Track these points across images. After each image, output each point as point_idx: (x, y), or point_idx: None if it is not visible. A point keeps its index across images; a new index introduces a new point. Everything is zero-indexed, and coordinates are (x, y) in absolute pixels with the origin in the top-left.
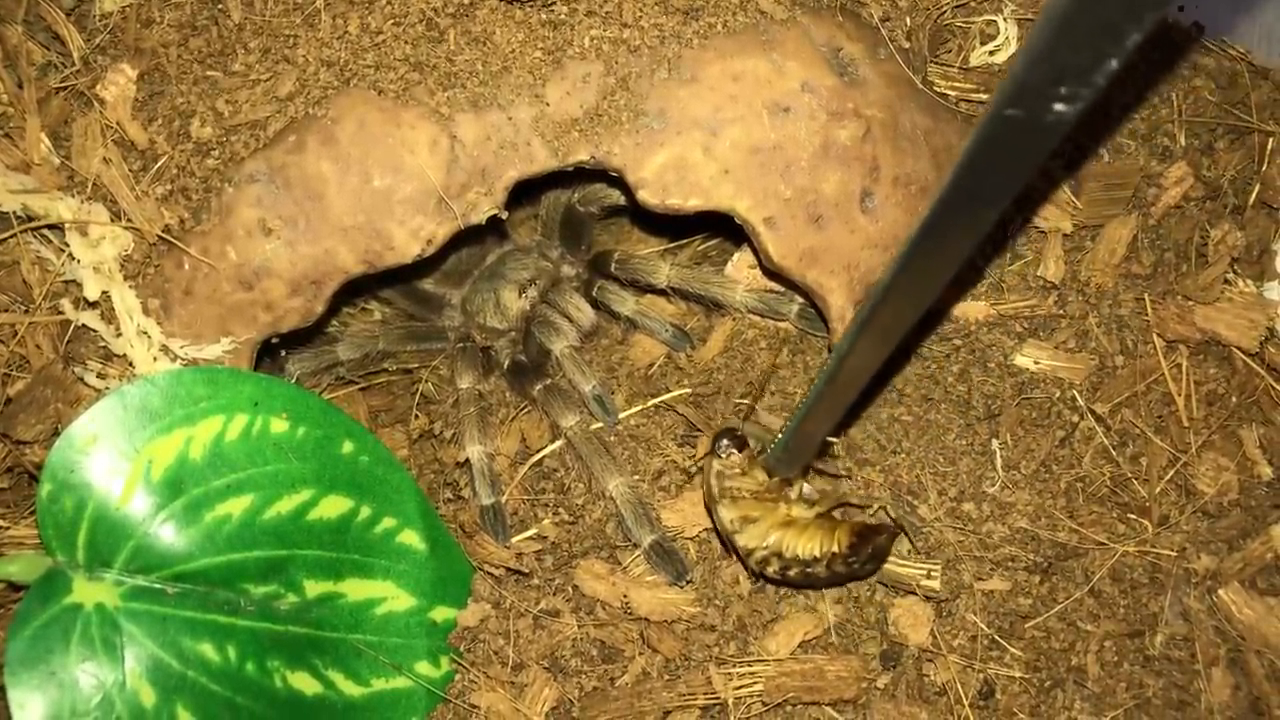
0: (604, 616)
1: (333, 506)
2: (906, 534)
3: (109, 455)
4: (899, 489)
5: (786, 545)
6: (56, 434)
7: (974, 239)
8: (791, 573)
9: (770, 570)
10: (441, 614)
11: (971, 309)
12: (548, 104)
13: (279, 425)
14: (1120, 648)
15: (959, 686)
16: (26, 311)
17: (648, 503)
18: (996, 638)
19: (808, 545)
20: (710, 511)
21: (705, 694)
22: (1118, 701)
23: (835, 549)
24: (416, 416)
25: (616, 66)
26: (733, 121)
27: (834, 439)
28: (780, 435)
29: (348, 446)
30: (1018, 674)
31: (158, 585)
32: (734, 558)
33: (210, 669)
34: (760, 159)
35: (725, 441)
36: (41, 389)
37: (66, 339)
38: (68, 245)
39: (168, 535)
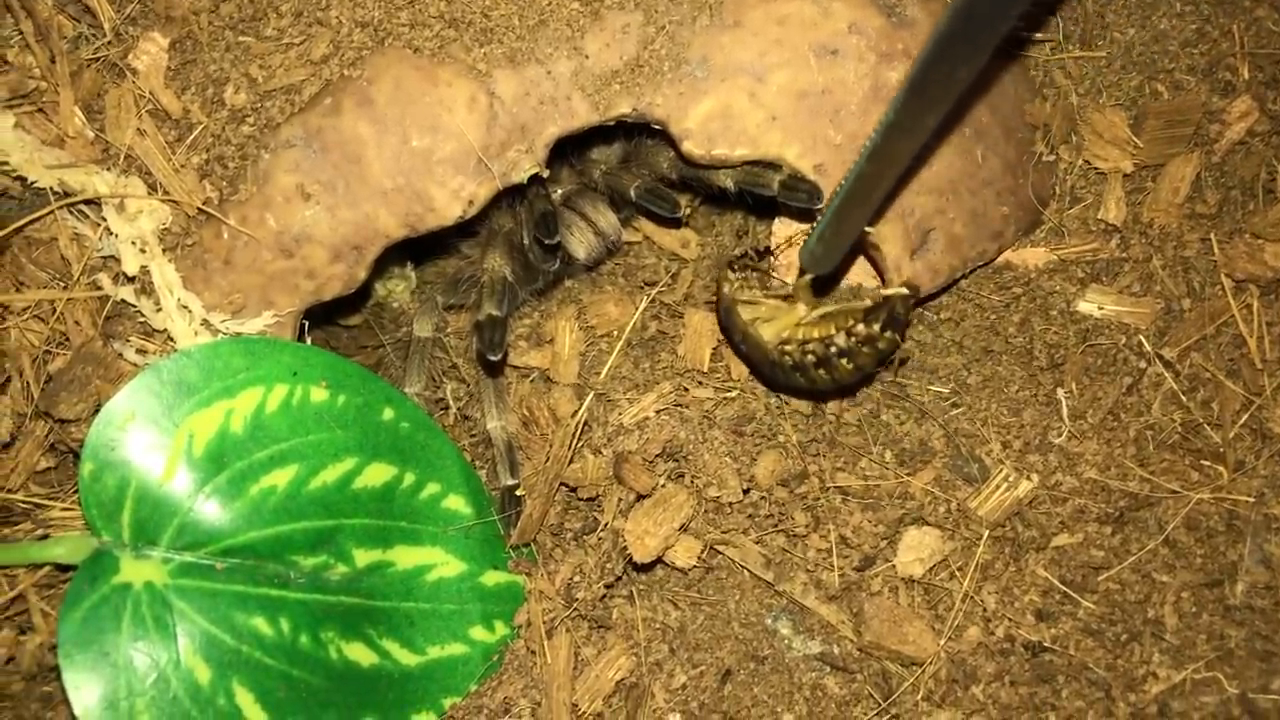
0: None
1: (377, 474)
2: (919, 299)
3: (149, 431)
4: (961, 442)
5: (804, 333)
6: (98, 412)
7: None
8: (810, 351)
9: (789, 357)
10: (492, 578)
11: (1031, 255)
12: (587, 56)
13: (319, 394)
14: (1199, 598)
15: (1033, 642)
16: (65, 288)
17: (518, 449)
18: (1069, 592)
19: (823, 330)
20: (726, 328)
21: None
22: (1198, 654)
23: (850, 322)
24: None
25: (656, 15)
26: (779, 66)
27: (870, 229)
28: (814, 228)
29: (388, 413)
30: (1092, 628)
31: (206, 561)
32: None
33: (264, 643)
34: (809, 104)
35: (735, 260)
36: (82, 367)
37: (105, 315)
38: (105, 220)
39: (213, 510)
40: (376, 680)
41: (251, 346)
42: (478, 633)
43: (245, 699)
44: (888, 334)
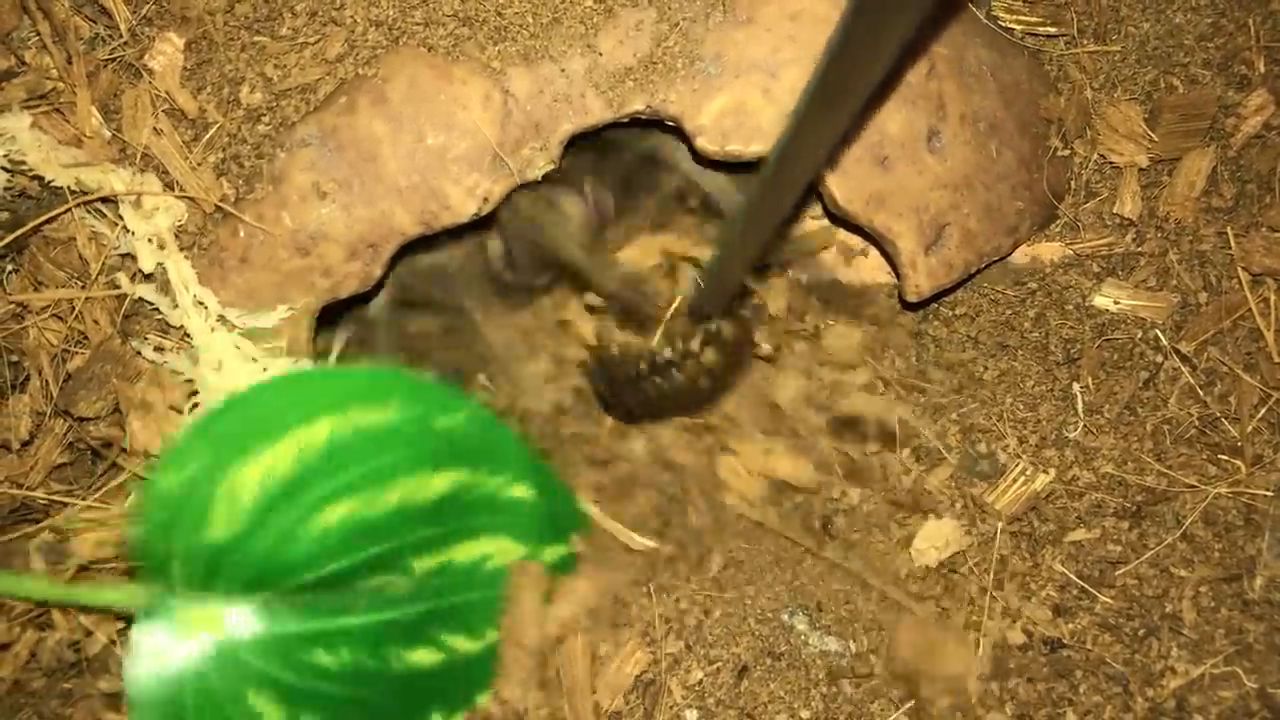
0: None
1: (438, 484)
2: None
3: (195, 485)
4: (977, 437)
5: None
6: (117, 410)
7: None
8: (642, 359)
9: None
10: (552, 554)
11: (1046, 250)
12: (600, 54)
13: (368, 418)
14: (1217, 593)
15: (1050, 637)
16: (83, 287)
17: None
18: (1087, 587)
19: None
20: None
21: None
22: (1216, 648)
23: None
24: None
25: (670, 12)
26: (792, 62)
27: (750, 283)
28: (701, 272)
29: (443, 421)
30: (1110, 623)
31: (263, 606)
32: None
33: (329, 675)
34: None
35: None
36: (100, 365)
37: (123, 314)
38: (121, 218)
39: (268, 554)
40: (442, 675)
41: (290, 384)
42: None
43: None
44: (709, 349)
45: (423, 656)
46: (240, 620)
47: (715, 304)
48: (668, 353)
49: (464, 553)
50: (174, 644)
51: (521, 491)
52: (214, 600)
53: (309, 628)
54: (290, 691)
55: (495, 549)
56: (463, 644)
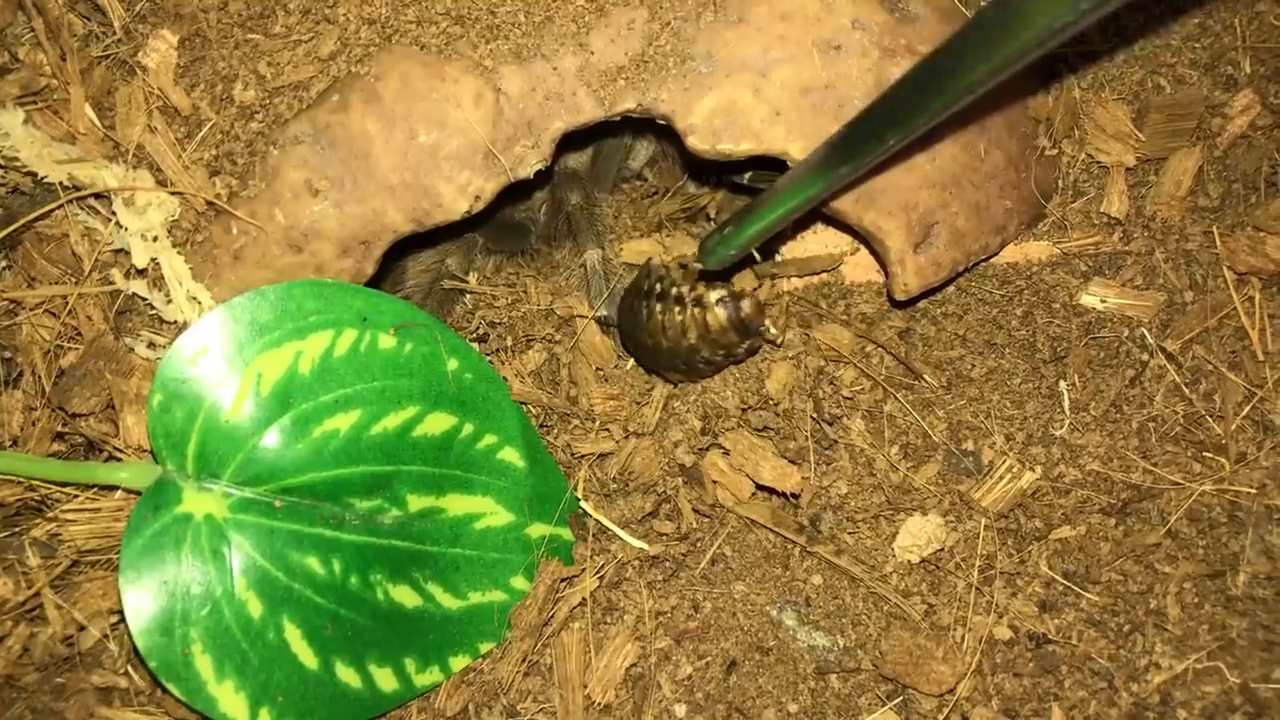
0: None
1: (437, 423)
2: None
3: (219, 367)
4: (964, 434)
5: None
6: (110, 406)
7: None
8: (661, 279)
9: (646, 282)
10: (538, 530)
11: (1034, 249)
12: (592, 53)
13: (386, 341)
14: (1201, 589)
15: (1036, 633)
16: (77, 283)
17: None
18: (1071, 584)
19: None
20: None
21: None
22: (1200, 644)
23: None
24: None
25: (661, 11)
26: (782, 62)
27: (759, 263)
28: (718, 225)
29: (453, 363)
30: (1095, 619)
31: (265, 498)
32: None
33: (315, 582)
34: (812, 99)
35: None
36: (94, 361)
37: (116, 310)
38: (115, 214)
39: (276, 449)
40: (419, 622)
41: (324, 290)
42: (518, 582)
43: (293, 634)
44: (721, 312)
45: (405, 597)
46: (242, 509)
47: (721, 258)
48: (675, 290)
49: (456, 504)
50: (175, 524)
51: (513, 456)
52: (220, 486)
53: (306, 530)
54: (277, 588)
55: (485, 509)
56: (443, 597)
